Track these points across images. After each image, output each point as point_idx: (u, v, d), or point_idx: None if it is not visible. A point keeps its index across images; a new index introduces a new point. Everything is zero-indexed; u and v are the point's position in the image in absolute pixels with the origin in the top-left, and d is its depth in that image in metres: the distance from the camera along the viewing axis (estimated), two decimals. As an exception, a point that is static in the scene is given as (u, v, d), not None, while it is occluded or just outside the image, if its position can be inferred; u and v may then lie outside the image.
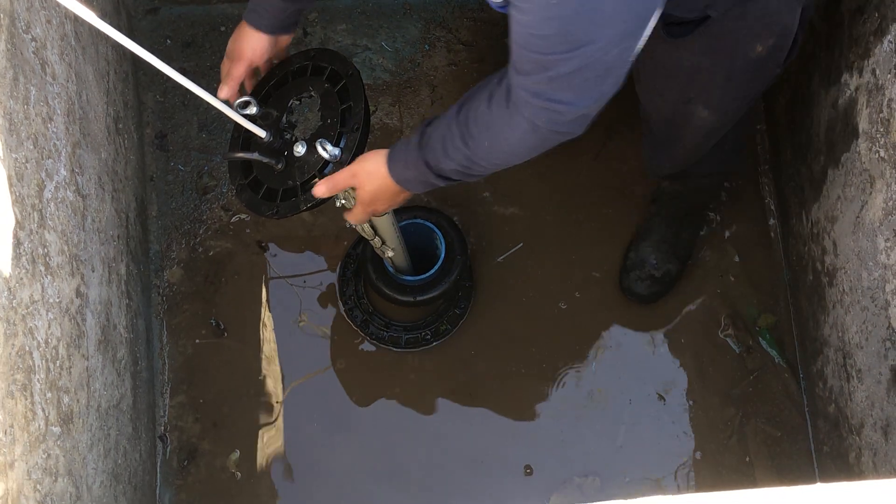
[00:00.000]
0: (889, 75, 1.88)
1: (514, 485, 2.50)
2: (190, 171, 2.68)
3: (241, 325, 2.60)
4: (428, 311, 2.57)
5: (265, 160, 1.93)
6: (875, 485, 1.39)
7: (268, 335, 2.59)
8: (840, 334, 2.24)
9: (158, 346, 2.57)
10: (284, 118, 1.98)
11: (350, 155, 1.88)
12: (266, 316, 2.60)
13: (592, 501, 1.38)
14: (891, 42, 1.87)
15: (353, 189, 1.91)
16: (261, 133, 1.91)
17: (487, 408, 2.56)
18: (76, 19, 2.12)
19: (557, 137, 1.70)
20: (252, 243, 2.64)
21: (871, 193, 2.01)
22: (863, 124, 2.02)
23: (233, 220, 2.65)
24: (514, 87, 1.65)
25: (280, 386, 2.56)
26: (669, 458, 2.52)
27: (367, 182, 1.88)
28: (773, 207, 2.65)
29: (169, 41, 2.76)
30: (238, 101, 1.94)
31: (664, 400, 2.55)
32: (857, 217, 2.09)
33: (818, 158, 2.29)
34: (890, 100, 1.88)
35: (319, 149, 1.88)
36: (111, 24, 2.21)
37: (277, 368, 2.57)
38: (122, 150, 2.43)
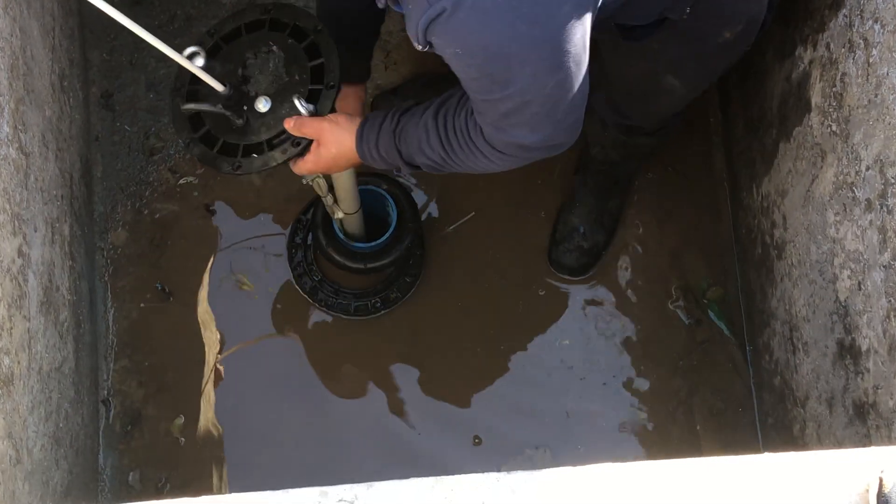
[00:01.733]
0: (843, 49, 1.89)
1: (462, 455, 2.50)
2: (136, 131, 2.63)
3: (187, 290, 2.56)
4: (378, 278, 2.55)
5: (228, 114, 1.89)
6: (820, 455, 1.40)
7: (214, 300, 2.56)
8: (787, 307, 2.25)
9: (102, 310, 2.53)
10: (240, 72, 1.93)
11: (326, 112, 1.87)
12: (212, 281, 2.57)
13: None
14: (845, 16, 1.88)
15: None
16: (218, 86, 1.86)
17: (436, 377, 2.55)
18: (21, -29, 2.07)
19: (529, 159, 1.75)
20: (199, 206, 2.60)
21: (821, 167, 2.02)
22: (815, 98, 2.03)
23: (180, 182, 2.61)
24: (482, 126, 1.70)
25: (226, 352, 2.53)
26: (618, 429, 2.53)
27: (331, 145, 1.88)
28: (724, 181, 2.66)
29: (117, -1, 2.69)
30: (186, 51, 1.85)
31: (613, 372, 2.56)
32: (808, 191, 2.10)
33: (770, 132, 2.30)
34: (843, 74, 1.89)
35: (297, 104, 1.85)
36: (57, -23, 2.15)
37: (223, 334, 2.54)
38: (67, 109, 2.38)
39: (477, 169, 1.80)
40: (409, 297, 2.57)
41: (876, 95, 1.76)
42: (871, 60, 1.77)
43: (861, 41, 1.81)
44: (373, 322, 2.56)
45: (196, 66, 1.80)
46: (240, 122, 1.90)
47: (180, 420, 2.48)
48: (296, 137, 1.88)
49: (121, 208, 2.59)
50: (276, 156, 1.88)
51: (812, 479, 1.39)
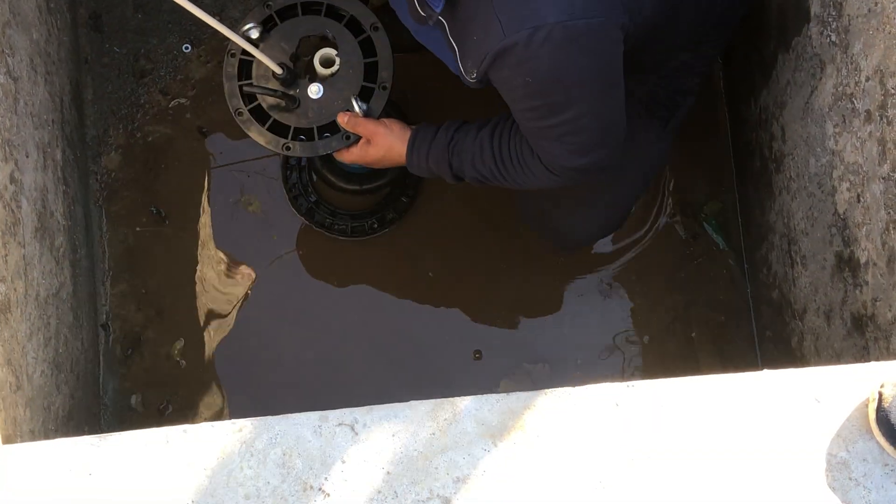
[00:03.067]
0: (843, -43, 1.85)
1: (463, 369, 2.51)
2: (126, 53, 2.59)
3: (183, 213, 2.55)
4: (375, 199, 2.54)
5: (283, 101, 2.02)
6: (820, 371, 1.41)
7: (210, 222, 2.55)
8: (786, 220, 2.24)
9: (98, 234, 2.52)
10: (294, 52, 2.05)
11: (378, 112, 2.01)
12: (208, 204, 2.55)
13: (542, 388, 1.39)
14: (846, -78, 1.84)
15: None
16: (276, 68, 1.97)
17: (434, 296, 2.55)
18: None
19: (582, 180, 1.91)
20: (192, 129, 2.58)
21: (820, 79, 1.99)
22: (814, 8, 2.00)
23: (171, 104, 2.58)
24: (535, 148, 1.87)
25: (227, 274, 2.53)
26: (615, 343, 2.54)
27: (381, 147, 2.03)
28: (721, 93, 2.63)
29: (101, -84, 2.64)
30: (243, 27, 2.00)
31: (610, 286, 2.56)
32: (807, 102, 2.07)
33: (768, 43, 2.26)
34: (843, -18, 1.86)
35: (354, 103, 1.99)
36: None
37: (220, 256, 2.54)
38: (55, 31, 2.34)
39: (525, 186, 1.97)
40: (405, 218, 2.56)
41: (876, 4, 1.73)
42: (871, -32, 1.74)
43: (862, -52, 1.78)
44: (370, 242, 2.55)
45: (253, 45, 1.92)
46: (293, 105, 2.03)
47: (180, 343, 2.49)
48: (347, 132, 2.02)
49: (113, 132, 2.56)
50: (326, 144, 2.02)
51: (811, 395, 1.40)
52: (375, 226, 2.54)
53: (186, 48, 2.60)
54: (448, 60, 1.87)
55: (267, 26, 2.06)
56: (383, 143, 2.03)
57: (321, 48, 2.06)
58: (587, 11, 1.64)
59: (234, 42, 1.94)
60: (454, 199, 2.57)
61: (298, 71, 2.06)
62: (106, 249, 2.52)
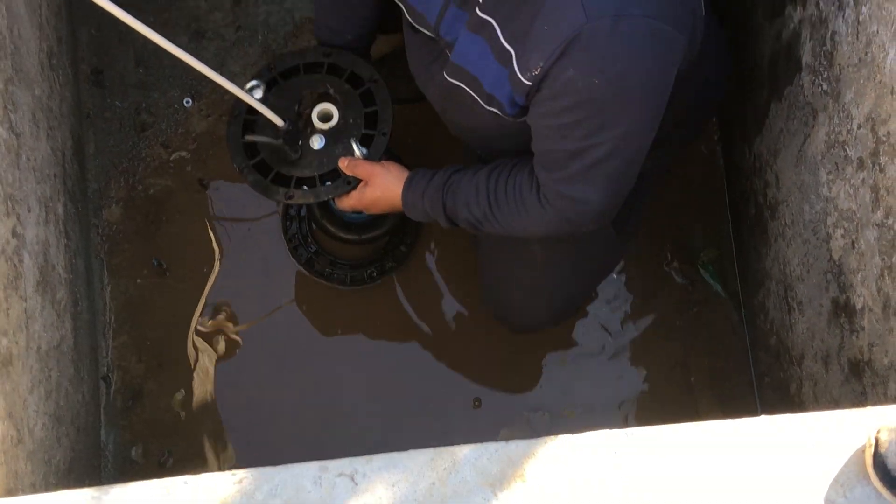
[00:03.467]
0: (832, 7, 1.88)
1: (462, 417, 2.51)
2: (127, 107, 2.62)
3: (183, 265, 2.57)
4: (374, 248, 2.56)
5: (286, 148, 2.05)
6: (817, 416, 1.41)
7: (211, 274, 2.56)
8: (782, 267, 2.26)
9: (99, 287, 2.53)
10: (296, 108, 2.10)
11: (378, 157, 2.06)
12: (208, 255, 2.57)
13: (542, 436, 1.39)
14: (835, -26, 1.87)
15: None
16: (279, 121, 2.01)
17: (434, 344, 2.56)
18: (5, -50, 2.05)
19: (577, 229, 1.86)
20: (193, 181, 2.60)
21: (813, 127, 2.02)
22: (806, 57, 2.03)
23: (172, 157, 2.61)
24: (542, 183, 1.81)
25: (224, 325, 2.54)
26: (615, 390, 2.54)
27: (378, 187, 2.03)
28: (716, 141, 2.65)
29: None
30: (248, 85, 2.04)
31: (610, 333, 2.57)
32: (800, 150, 2.10)
33: (761, 92, 2.29)
34: (833, 32, 1.88)
35: (354, 146, 2.04)
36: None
37: (221, 307, 2.55)
38: (57, 87, 2.37)
39: (516, 229, 1.91)
40: (404, 267, 2.57)
41: (866, 54, 1.75)
42: (860, 18, 1.77)
43: (850, -1, 1.81)
44: (369, 291, 2.56)
45: (257, 101, 1.95)
46: (295, 156, 2.07)
47: (181, 394, 2.50)
48: (348, 176, 2.04)
49: (114, 185, 2.59)
50: (328, 190, 2.06)
51: (809, 440, 1.40)
52: (374, 275, 2.56)
53: (187, 102, 2.63)
54: (490, 72, 1.77)
55: (270, 86, 2.12)
56: (381, 182, 2.02)
57: (320, 103, 2.10)
58: (666, 18, 1.60)
59: (238, 101, 1.98)
60: (453, 247, 2.59)
61: (300, 126, 2.10)
62: (107, 302, 2.53)
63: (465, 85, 1.85)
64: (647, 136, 1.73)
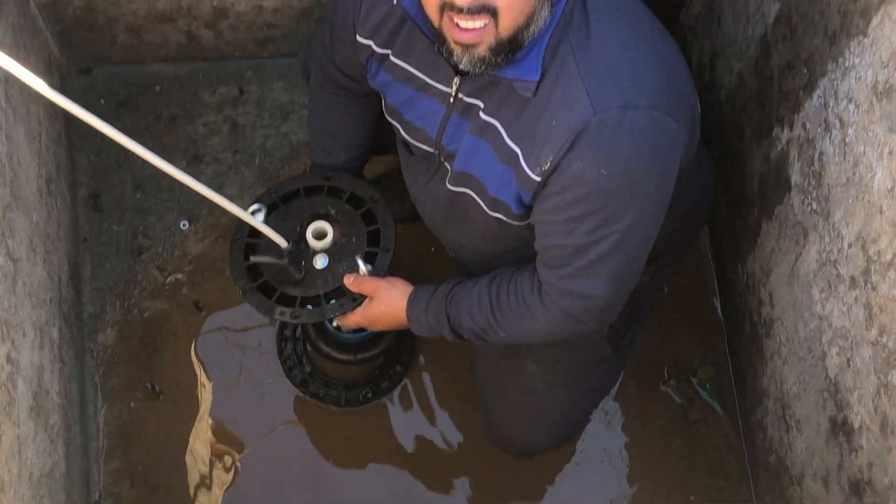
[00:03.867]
0: (819, 129, 1.92)
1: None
2: (124, 231, 2.64)
3: (178, 388, 2.55)
4: (369, 368, 2.55)
5: (290, 268, 2.07)
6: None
7: (205, 397, 2.55)
8: (778, 385, 2.25)
9: (93, 411, 2.51)
10: (298, 229, 2.13)
11: (383, 273, 2.07)
12: (203, 378, 2.56)
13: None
14: (820, 97, 1.91)
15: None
16: (282, 242, 2.04)
17: (432, 463, 2.53)
18: (6, 79, 2.09)
19: (580, 327, 1.85)
20: (188, 304, 2.60)
21: (804, 245, 2.03)
22: (795, 177, 2.06)
23: (168, 280, 2.62)
24: (544, 282, 1.81)
25: (218, 448, 2.51)
26: (613, 512, 2.51)
27: (383, 302, 2.03)
28: (709, 259, 2.67)
29: (103, 101, 2.73)
30: (250, 209, 2.08)
31: (608, 453, 2.54)
32: (792, 269, 2.11)
33: (752, 210, 2.32)
34: (821, 153, 1.91)
35: (359, 263, 2.05)
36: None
37: (215, 430, 2.52)
38: (55, 212, 2.39)
39: (520, 333, 1.90)
40: (400, 387, 2.56)
41: (854, 174, 1.78)
42: (847, 140, 1.80)
43: (836, 121, 1.84)
44: (364, 412, 2.54)
45: (261, 223, 1.99)
46: (299, 276, 2.08)
47: (173, 521, 2.46)
48: (353, 293, 2.04)
49: (110, 308, 2.59)
50: (333, 308, 2.06)
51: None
52: (370, 395, 2.54)
53: (184, 225, 2.65)
54: (496, 175, 1.79)
55: (271, 210, 2.15)
56: (385, 297, 2.03)
57: (314, 222, 2.11)
58: (669, 110, 1.63)
59: (240, 224, 2.03)
60: (449, 367, 2.58)
61: (303, 246, 2.11)
62: (100, 426, 2.51)
63: (471, 191, 1.87)
64: (653, 229, 1.75)
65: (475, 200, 1.87)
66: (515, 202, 1.79)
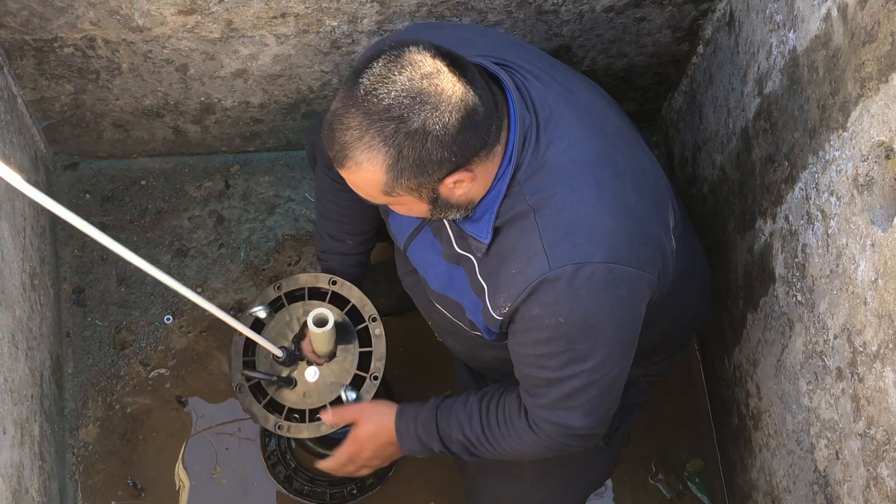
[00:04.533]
0: (802, 221, 1.93)
1: None
2: (107, 325, 2.63)
3: (160, 485, 2.51)
4: (354, 464, 2.52)
5: (280, 383, 2.10)
6: None
7: (187, 495, 2.51)
8: (768, 478, 2.23)
9: (73, 509, 2.47)
10: (294, 335, 2.16)
11: (367, 401, 2.09)
12: (185, 475, 2.52)
13: None
14: (801, 189, 1.93)
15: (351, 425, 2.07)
16: (277, 352, 2.05)
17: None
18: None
19: (568, 449, 1.89)
20: (171, 399, 2.58)
21: (790, 337, 2.03)
22: (779, 269, 2.06)
23: (151, 375, 2.59)
24: (530, 410, 1.84)
25: (201, 547, 2.47)
26: None
27: (369, 422, 2.04)
28: (696, 351, 2.67)
29: (88, 196, 2.74)
30: (254, 309, 2.12)
31: (597, 550, 2.51)
32: (779, 360, 2.11)
33: (737, 302, 2.32)
34: (804, 245, 1.92)
35: (343, 394, 2.07)
36: (29, 180, 2.19)
37: (198, 529, 2.48)
38: (38, 307, 2.38)
39: (509, 452, 1.93)
40: (385, 483, 2.53)
41: (837, 266, 1.79)
42: (829, 231, 1.81)
43: (819, 213, 1.86)
44: (350, 510, 2.51)
45: (253, 332, 1.96)
46: (290, 388, 2.11)
47: None
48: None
49: (92, 404, 2.56)
50: (321, 428, 2.08)
51: None
52: (355, 492, 2.51)
53: (168, 319, 2.64)
54: (469, 303, 1.85)
55: (275, 306, 2.17)
56: (371, 415, 2.04)
57: (315, 308, 2.10)
58: (629, 261, 1.67)
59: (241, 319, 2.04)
60: (435, 463, 2.54)
61: (299, 353, 2.13)
62: (80, 525, 2.46)
63: (448, 312, 1.93)
64: (623, 365, 1.79)
65: (455, 322, 1.93)
66: (485, 331, 1.85)
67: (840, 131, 1.75)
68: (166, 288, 2.57)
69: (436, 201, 1.66)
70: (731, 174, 2.32)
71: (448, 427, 1.96)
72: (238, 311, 2.64)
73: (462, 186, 1.64)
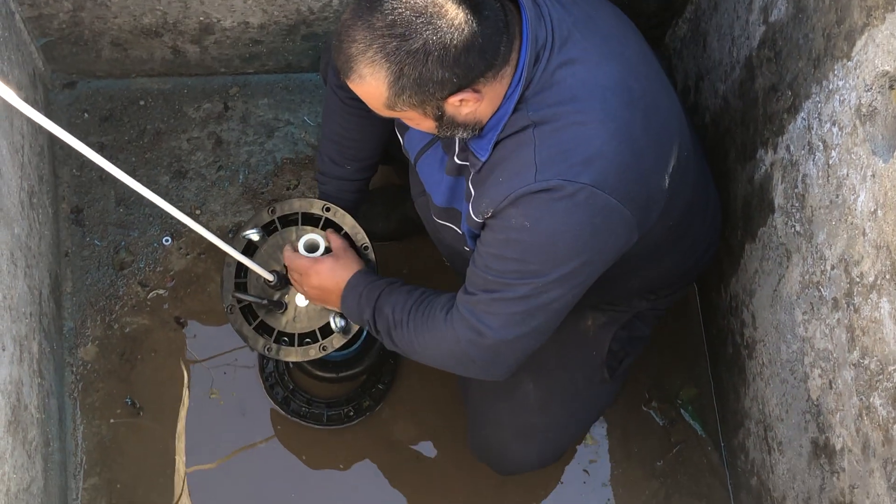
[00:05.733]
0: (803, 151, 1.92)
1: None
2: (106, 246, 2.63)
3: (158, 404, 2.53)
4: (351, 386, 2.54)
5: (270, 307, 2.12)
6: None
7: (185, 414, 2.53)
8: (761, 407, 2.25)
9: (71, 427, 2.49)
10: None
11: (358, 339, 2.22)
12: (184, 394, 2.54)
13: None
14: (804, 119, 1.92)
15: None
16: (268, 276, 2.08)
17: (411, 486, 2.52)
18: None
19: (468, 362, 1.87)
20: (170, 319, 2.59)
21: (787, 267, 2.04)
22: (778, 199, 2.06)
23: (150, 295, 2.60)
24: (457, 303, 1.85)
25: (198, 466, 2.49)
26: (595, 533, 2.51)
27: (340, 260, 2.06)
28: (693, 280, 2.67)
29: (86, 115, 2.72)
30: (248, 231, 2.15)
31: (589, 475, 2.54)
32: (775, 290, 2.11)
33: (735, 233, 2.32)
34: (804, 175, 1.92)
35: (331, 320, 2.11)
36: (27, 98, 2.18)
37: (195, 448, 2.51)
38: (37, 226, 2.38)
39: (417, 348, 1.92)
40: (382, 405, 2.55)
41: (837, 196, 1.79)
42: (830, 162, 1.81)
43: (820, 143, 1.85)
44: (346, 431, 2.53)
45: (244, 256, 2.01)
46: (279, 311, 2.14)
47: (151, 538, 2.44)
48: (324, 343, 2.12)
49: (90, 323, 2.57)
50: (310, 353, 2.12)
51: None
52: (352, 414, 2.53)
53: (167, 240, 2.64)
54: (461, 209, 1.88)
55: (268, 230, 2.18)
56: (344, 259, 2.06)
57: (307, 234, 2.12)
58: (614, 191, 1.67)
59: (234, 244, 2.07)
60: (430, 386, 2.57)
61: (287, 281, 2.14)
62: (79, 442, 2.49)
63: (451, 225, 1.94)
64: (567, 296, 1.78)
65: (457, 236, 1.94)
66: (470, 238, 1.86)
67: (844, 61, 1.74)
68: (164, 209, 2.59)
69: (441, 118, 1.68)
70: (734, 104, 2.30)
71: (385, 302, 1.95)
72: (236, 234, 2.64)
73: (468, 105, 1.65)
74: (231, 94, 2.78)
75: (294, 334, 2.13)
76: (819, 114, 1.85)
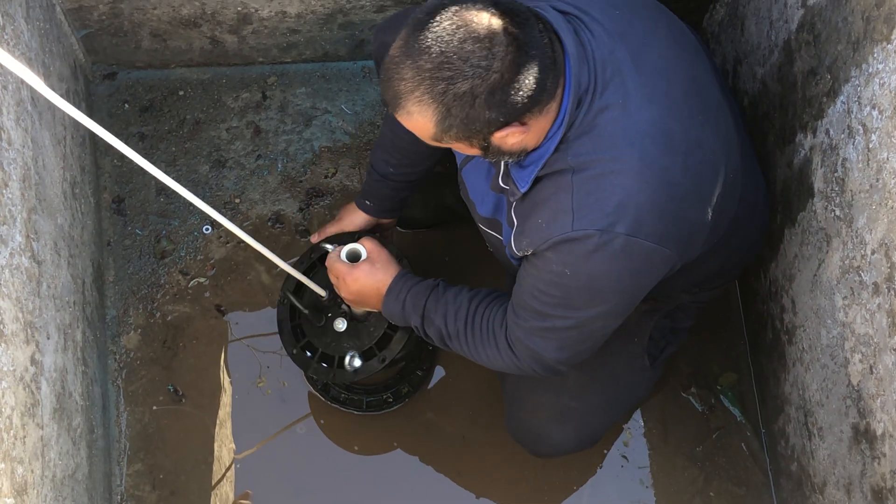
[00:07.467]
0: (843, 135, 1.91)
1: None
2: (147, 235, 2.66)
3: (200, 391, 2.56)
4: (390, 373, 2.55)
5: (312, 316, 2.23)
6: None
7: (226, 400, 2.56)
8: (801, 392, 2.24)
9: (115, 414, 2.53)
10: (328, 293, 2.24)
11: (372, 373, 2.26)
12: (225, 381, 2.57)
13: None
14: (843, 103, 1.90)
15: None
16: (321, 293, 2.18)
17: (453, 467, 2.53)
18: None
19: (529, 373, 1.96)
20: (211, 307, 2.62)
21: (827, 252, 2.03)
22: (818, 184, 2.05)
23: (191, 284, 2.63)
24: (510, 325, 1.91)
25: (240, 452, 2.52)
26: (634, 519, 2.51)
27: (377, 263, 2.11)
28: (731, 266, 2.66)
29: (127, 105, 2.75)
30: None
31: (627, 460, 2.54)
32: (815, 275, 2.10)
33: (775, 217, 2.31)
34: (844, 159, 1.91)
35: (346, 358, 2.23)
36: (68, 89, 2.20)
37: (236, 434, 2.53)
38: (79, 215, 2.41)
39: (479, 357, 2.01)
40: (420, 391, 2.56)
41: (877, 180, 1.77)
42: (870, 146, 1.80)
43: (860, 127, 1.84)
44: (385, 417, 2.55)
45: (296, 271, 2.09)
46: (318, 324, 2.25)
47: (194, 523, 2.47)
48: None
49: (133, 312, 2.61)
50: (335, 372, 2.24)
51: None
52: (391, 400, 2.55)
53: (207, 229, 2.67)
54: (507, 228, 1.91)
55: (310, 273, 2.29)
56: (381, 261, 2.10)
57: (349, 244, 2.17)
58: (651, 236, 1.70)
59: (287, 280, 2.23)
60: (469, 372, 2.58)
61: (341, 301, 2.23)
62: (123, 429, 2.52)
63: (495, 233, 1.98)
64: (613, 322, 1.87)
65: (499, 239, 1.98)
66: (511, 256, 1.91)
67: (884, 43, 1.72)
68: (205, 198, 2.61)
69: (487, 149, 1.71)
70: (772, 87, 2.29)
71: (434, 310, 2.01)
72: (276, 222, 2.66)
73: (514, 137, 1.67)
74: (269, 84, 2.80)
75: (333, 357, 2.24)
76: (859, 97, 1.84)
